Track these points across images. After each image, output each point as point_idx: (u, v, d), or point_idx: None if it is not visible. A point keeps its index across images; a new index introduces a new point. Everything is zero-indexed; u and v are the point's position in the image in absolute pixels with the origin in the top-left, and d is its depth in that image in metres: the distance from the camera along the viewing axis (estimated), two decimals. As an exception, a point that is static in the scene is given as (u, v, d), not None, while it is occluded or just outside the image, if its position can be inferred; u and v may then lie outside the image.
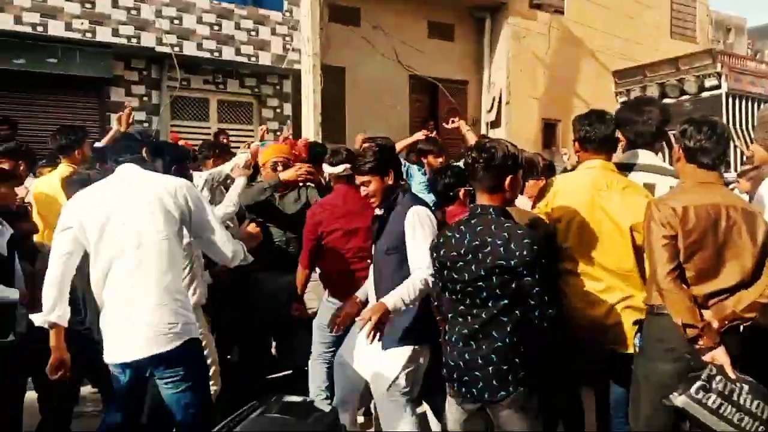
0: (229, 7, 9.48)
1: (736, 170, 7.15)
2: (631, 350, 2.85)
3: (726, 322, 2.52)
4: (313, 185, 4.41)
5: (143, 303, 2.62)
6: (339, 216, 3.69)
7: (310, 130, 8.74)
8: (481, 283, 2.42)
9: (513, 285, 2.40)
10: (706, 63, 9.88)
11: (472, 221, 2.52)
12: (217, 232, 2.81)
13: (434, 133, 6.73)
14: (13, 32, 7.97)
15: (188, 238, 3.00)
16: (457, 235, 2.52)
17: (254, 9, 9.72)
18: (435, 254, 2.63)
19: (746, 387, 2.47)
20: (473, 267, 2.44)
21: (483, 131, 12.65)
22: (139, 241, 2.64)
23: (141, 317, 2.60)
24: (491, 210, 2.50)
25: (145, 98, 9.30)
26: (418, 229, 2.96)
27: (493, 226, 2.45)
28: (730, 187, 4.42)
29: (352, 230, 3.67)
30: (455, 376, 2.52)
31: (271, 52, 9.86)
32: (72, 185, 3.41)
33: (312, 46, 9.45)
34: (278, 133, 7.55)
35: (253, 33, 9.69)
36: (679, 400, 2.49)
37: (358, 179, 3.15)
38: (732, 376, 2.46)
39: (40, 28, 8.12)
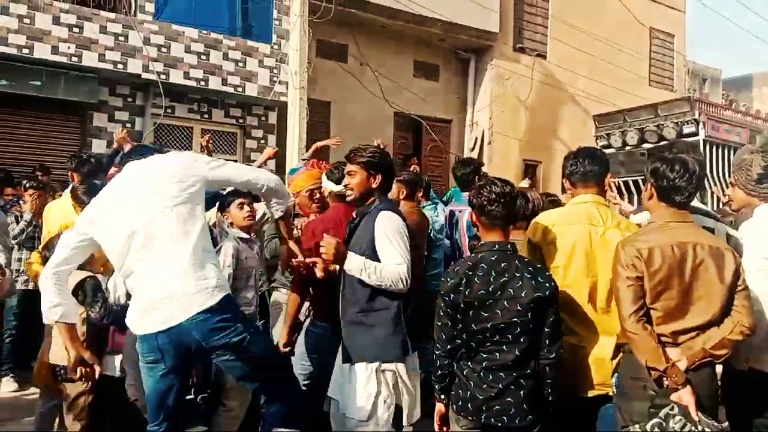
0: (218, 38, 9.53)
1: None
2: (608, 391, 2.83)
3: (696, 360, 2.51)
4: None
5: (171, 271, 2.60)
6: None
7: (294, 162, 8.74)
8: (516, 319, 2.55)
9: (540, 318, 2.58)
10: (685, 110, 10.15)
11: (492, 258, 2.60)
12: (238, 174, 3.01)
13: (417, 169, 6.77)
14: (-1, 53, 7.92)
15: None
16: (480, 274, 2.58)
17: (243, 40, 9.78)
18: (454, 295, 2.59)
19: (707, 431, 2.43)
20: (506, 303, 2.55)
21: (465, 169, 12.74)
22: (148, 218, 2.64)
23: (173, 284, 2.59)
24: (509, 247, 2.65)
25: (129, 124, 9.22)
26: (390, 231, 2.95)
27: (516, 262, 2.60)
28: None
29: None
30: (483, 407, 2.59)
31: (257, 83, 9.90)
32: (92, 190, 3.50)
33: (299, 79, 9.55)
34: (303, 157, 7.17)
35: (240, 64, 9.73)
36: None
37: (347, 168, 3.14)
38: (695, 417, 2.43)
39: (26, 51, 8.06)
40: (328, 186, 3.72)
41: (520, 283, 2.55)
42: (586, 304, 2.86)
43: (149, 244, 2.63)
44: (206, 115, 9.93)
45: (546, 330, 2.60)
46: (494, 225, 2.65)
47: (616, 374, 2.80)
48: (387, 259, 2.90)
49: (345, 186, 3.14)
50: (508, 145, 12.90)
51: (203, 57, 9.41)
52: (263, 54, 9.95)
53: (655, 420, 2.46)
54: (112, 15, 8.71)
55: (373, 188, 3.08)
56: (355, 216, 3.18)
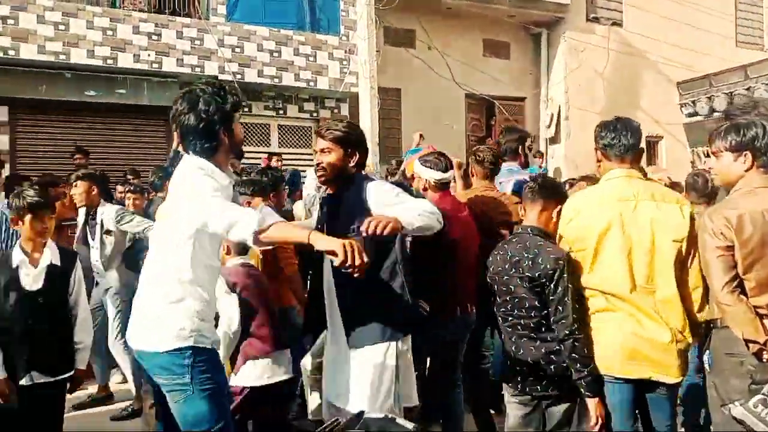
0: (288, 34, 9.71)
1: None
2: (672, 378, 2.64)
3: None
4: None
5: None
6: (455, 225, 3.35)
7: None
8: (523, 294, 2.80)
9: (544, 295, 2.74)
10: (778, 70, 9.53)
11: (514, 240, 2.95)
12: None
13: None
14: (86, 65, 8.39)
15: None
16: (501, 252, 2.94)
17: (312, 34, 9.92)
18: (487, 269, 3.01)
19: None
20: (514, 278, 2.82)
21: (542, 148, 12.50)
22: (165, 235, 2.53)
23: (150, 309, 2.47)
24: (529, 230, 2.90)
25: (209, 125, 9.59)
26: (389, 190, 2.67)
27: (528, 243, 2.83)
28: None
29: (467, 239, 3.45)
30: (518, 377, 2.85)
31: (328, 76, 10.03)
32: None
33: (369, 68, 9.59)
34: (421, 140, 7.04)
35: (311, 58, 9.88)
36: (736, 410, 2.41)
37: (318, 144, 2.78)
38: None
39: (110, 61, 8.51)
40: (432, 175, 3.52)
41: (523, 262, 2.79)
42: (623, 284, 2.64)
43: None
44: (281, 111, 10.17)
45: (549, 308, 2.74)
46: (530, 209, 2.95)
47: (707, 352, 2.70)
48: (414, 205, 2.57)
49: (316, 164, 2.78)
50: (587, 119, 12.48)
51: (275, 54, 9.62)
52: (332, 46, 10.07)
53: (758, 397, 2.37)
54: (187, 20, 9.04)
55: (350, 167, 2.76)
56: (328, 198, 2.86)
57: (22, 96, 8.30)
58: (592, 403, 2.65)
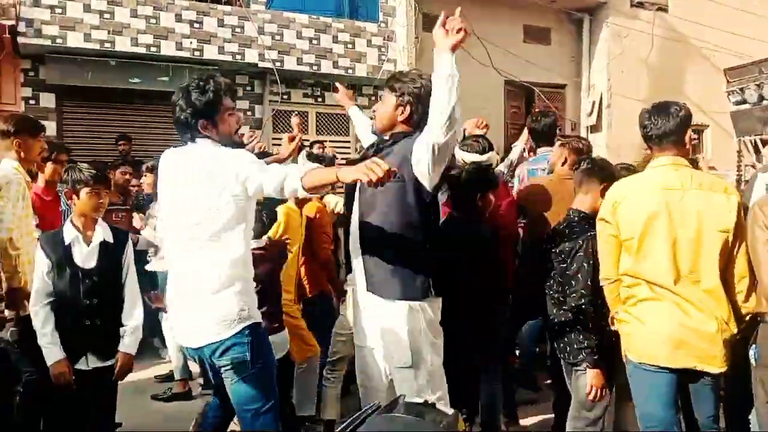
0: (327, 21, 9.73)
1: None
2: (717, 368, 2.60)
3: None
4: None
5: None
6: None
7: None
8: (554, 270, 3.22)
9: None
10: (833, 56, 9.16)
11: (563, 223, 3.26)
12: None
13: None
14: (130, 53, 8.56)
15: None
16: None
17: (350, 21, 9.92)
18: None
19: None
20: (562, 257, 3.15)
21: (583, 135, 12.29)
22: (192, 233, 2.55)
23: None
24: (570, 212, 3.24)
25: (249, 112, 9.70)
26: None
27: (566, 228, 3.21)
28: None
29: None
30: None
31: (366, 63, 10.03)
32: None
33: (407, 55, 9.56)
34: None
35: (349, 45, 9.89)
36: None
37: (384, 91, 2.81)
38: None
39: (153, 49, 8.66)
40: (472, 158, 3.52)
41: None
42: (668, 274, 2.60)
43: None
44: (320, 99, 10.21)
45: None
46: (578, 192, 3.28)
47: (753, 346, 2.64)
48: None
49: (373, 111, 2.84)
50: (630, 107, 12.19)
51: (314, 42, 9.65)
52: (371, 33, 10.05)
53: None
54: (228, 8, 9.13)
55: (398, 121, 2.74)
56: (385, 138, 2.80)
57: (69, 83, 8.52)
58: (591, 374, 2.99)
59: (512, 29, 11.98)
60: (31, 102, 8.57)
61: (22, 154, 3.44)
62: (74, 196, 3.11)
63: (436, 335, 2.71)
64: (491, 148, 3.62)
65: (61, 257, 3.04)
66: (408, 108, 2.72)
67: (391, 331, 2.65)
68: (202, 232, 2.51)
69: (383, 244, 2.64)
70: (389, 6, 10.10)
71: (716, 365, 2.58)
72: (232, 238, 2.51)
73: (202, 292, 2.51)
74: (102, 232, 3.15)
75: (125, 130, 8.52)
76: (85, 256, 3.09)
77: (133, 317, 3.21)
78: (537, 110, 7.42)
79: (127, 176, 6.41)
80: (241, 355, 2.50)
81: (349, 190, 2.81)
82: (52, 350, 2.99)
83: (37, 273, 3.06)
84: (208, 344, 2.52)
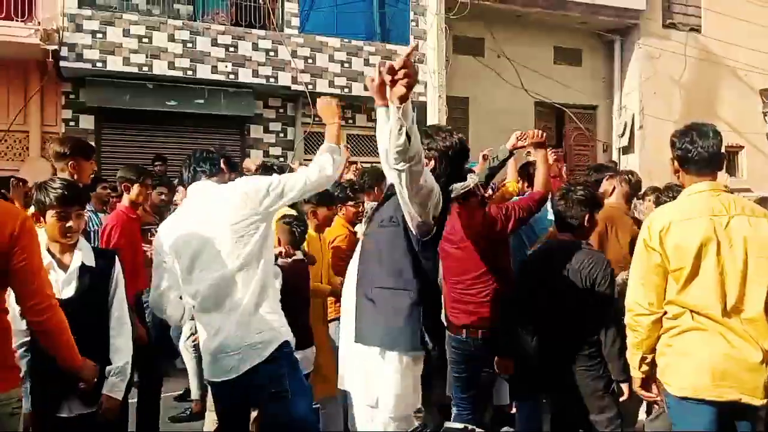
0: (359, 44, 9.87)
1: None
2: (760, 400, 2.50)
3: None
4: None
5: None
6: None
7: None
8: None
9: None
10: None
11: None
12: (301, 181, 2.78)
13: (562, 160, 6.56)
14: (167, 77, 8.79)
15: None
16: None
17: (382, 45, 10.05)
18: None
19: None
20: None
21: (614, 157, 12.18)
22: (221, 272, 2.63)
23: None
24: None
25: (281, 134, 9.86)
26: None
27: None
28: None
29: None
30: None
31: (397, 85, 10.09)
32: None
33: (437, 78, 9.61)
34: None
35: (380, 68, 9.99)
36: None
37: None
38: None
39: (189, 72, 8.88)
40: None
41: None
42: (715, 303, 2.53)
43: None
44: (351, 121, 10.31)
45: None
46: None
47: None
48: None
49: None
50: (662, 128, 12.06)
51: (346, 65, 9.79)
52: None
53: None
54: (262, 32, 9.33)
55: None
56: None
57: (108, 106, 8.77)
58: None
59: (543, 51, 11.99)
60: (71, 123, 8.85)
61: (75, 175, 3.54)
62: (41, 219, 2.65)
63: (411, 391, 2.57)
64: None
65: None
66: (432, 162, 2.68)
67: (366, 374, 2.58)
68: (223, 262, 2.65)
69: (375, 285, 2.59)
70: (420, 29, 10.21)
71: (758, 396, 2.49)
72: (263, 256, 2.68)
73: (243, 313, 2.62)
74: (81, 256, 2.68)
75: (161, 151, 8.71)
76: (62, 285, 2.62)
77: (120, 353, 2.73)
78: (593, 166, 7.24)
79: (163, 197, 6.51)
80: (278, 377, 2.61)
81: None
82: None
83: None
84: (244, 372, 2.60)
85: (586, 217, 3.41)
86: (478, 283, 3.55)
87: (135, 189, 4.33)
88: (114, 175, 8.04)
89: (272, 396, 2.62)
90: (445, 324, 3.64)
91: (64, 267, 2.66)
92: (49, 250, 2.65)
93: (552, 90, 11.70)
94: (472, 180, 3.57)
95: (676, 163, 2.76)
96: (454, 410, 3.62)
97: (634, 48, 12.28)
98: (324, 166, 2.79)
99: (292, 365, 2.69)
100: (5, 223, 2.19)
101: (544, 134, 4.05)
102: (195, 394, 4.94)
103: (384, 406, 2.49)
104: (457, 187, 3.44)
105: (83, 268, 2.67)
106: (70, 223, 2.64)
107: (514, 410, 4.54)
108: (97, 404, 2.65)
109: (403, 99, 2.16)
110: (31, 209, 3.04)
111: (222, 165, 2.92)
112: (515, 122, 11.34)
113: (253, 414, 2.98)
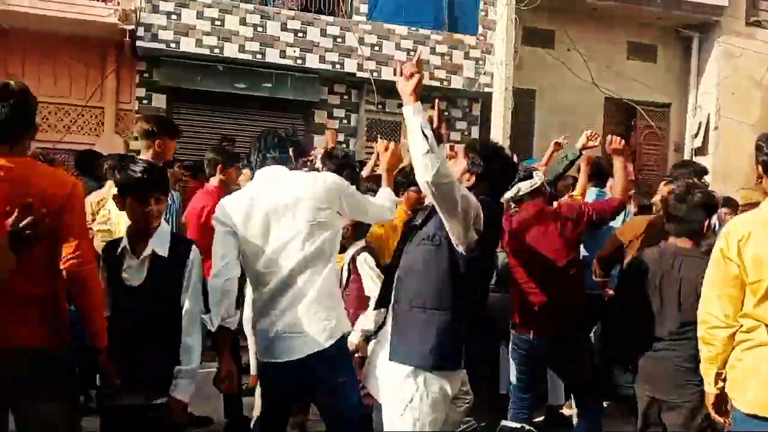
0: (426, 33, 9.81)
1: None
2: None
3: None
4: None
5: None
6: None
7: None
8: None
9: None
10: None
11: None
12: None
13: (632, 158, 6.38)
14: (237, 59, 8.98)
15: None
16: None
17: (449, 34, 9.96)
18: None
19: None
20: None
21: (687, 158, 11.74)
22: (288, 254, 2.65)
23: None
24: None
25: (345, 121, 9.93)
26: None
27: None
28: None
29: None
30: None
31: (463, 75, 10.03)
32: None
33: (505, 69, 9.47)
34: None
35: (447, 57, 9.93)
36: None
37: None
38: None
39: (259, 56, 9.04)
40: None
41: None
42: None
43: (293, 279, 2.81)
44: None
45: None
46: None
47: None
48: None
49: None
50: (739, 130, 11.55)
51: (412, 53, 9.74)
52: (469, 46, 10.05)
53: None
54: (330, 18, 9.40)
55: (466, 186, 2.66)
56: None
57: (180, 85, 9.03)
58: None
59: (616, 46, 11.64)
60: (144, 102, 9.16)
61: (160, 154, 3.54)
62: (124, 201, 2.62)
63: (430, 411, 2.57)
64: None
65: (111, 271, 2.63)
66: (474, 178, 2.76)
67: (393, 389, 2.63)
68: (300, 248, 2.68)
69: (411, 304, 2.62)
70: (489, 20, 10.06)
71: None
72: (330, 249, 2.75)
73: (315, 301, 2.68)
74: (154, 244, 2.61)
75: (228, 132, 8.93)
76: (133, 271, 2.60)
77: (190, 353, 2.61)
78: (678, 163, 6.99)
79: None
80: (339, 365, 2.69)
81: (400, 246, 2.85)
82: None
83: None
84: (310, 354, 2.64)
85: (706, 224, 3.21)
86: (546, 284, 3.45)
87: (228, 170, 4.51)
88: (183, 153, 8.35)
89: (328, 384, 2.69)
90: (511, 324, 3.61)
91: (138, 253, 2.60)
92: (128, 236, 2.64)
93: (623, 86, 11.35)
94: (539, 178, 3.54)
95: (760, 168, 2.62)
96: (511, 410, 3.53)
97: (713, 45, 11.76)
98: (383, 213, 3.04)
99: (347, 357, 2.80)
100: (61, 185, 2.38)
101: (623, 141, 3.90)
102: (254, 369, 5.05)
103: (404, 424, 2.54)
104: (524, 186, 3.45)
105: (154, 257, 2.59)
106: (150, 207, 2.58)
107: (565, 410, 4.46)
108: (150, 396, 2.57)
109: (414, 96, 2.48)
110: (107, 186, 3.24)
111: (291, 153, 2.93)
112: (583, 117, 11.09)
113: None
